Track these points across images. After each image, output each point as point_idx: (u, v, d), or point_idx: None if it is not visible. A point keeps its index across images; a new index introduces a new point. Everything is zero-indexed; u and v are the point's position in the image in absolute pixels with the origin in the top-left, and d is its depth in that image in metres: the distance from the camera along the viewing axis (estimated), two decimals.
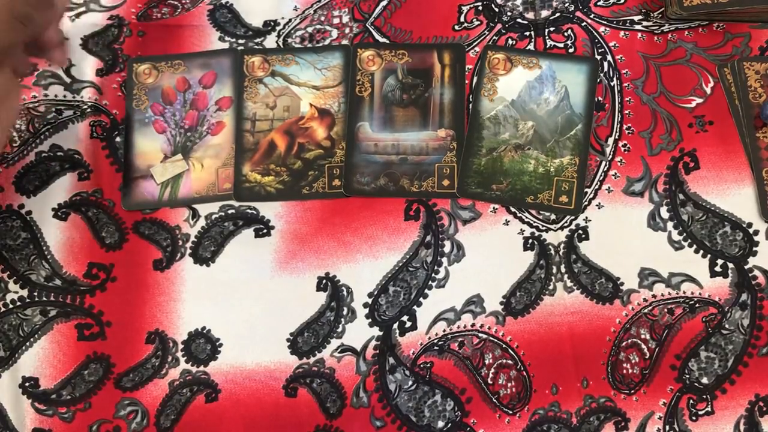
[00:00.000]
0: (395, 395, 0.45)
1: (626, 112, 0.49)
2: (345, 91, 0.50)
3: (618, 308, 0.45)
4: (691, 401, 0.44)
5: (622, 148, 0.48)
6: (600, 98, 0.49)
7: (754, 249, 0.46)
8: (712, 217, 0.46)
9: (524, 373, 0.45)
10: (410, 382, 0.45)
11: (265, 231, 0.48)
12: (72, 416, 0.45)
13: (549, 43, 0.51)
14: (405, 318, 0.46)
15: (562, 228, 0.47)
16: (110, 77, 0.52)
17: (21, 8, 0.37)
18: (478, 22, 0.52)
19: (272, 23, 0.53)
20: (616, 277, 0.46)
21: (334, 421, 0.44)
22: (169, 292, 0.47)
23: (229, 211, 0.49)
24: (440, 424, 0.44)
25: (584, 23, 0.51)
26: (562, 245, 0.47)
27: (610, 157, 0.48)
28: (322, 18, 0.53)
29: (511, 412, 0.44)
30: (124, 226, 0.48)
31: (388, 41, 0.52)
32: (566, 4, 0.52)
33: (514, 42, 0.51)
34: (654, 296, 0.45)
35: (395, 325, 0.46)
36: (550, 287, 0.46)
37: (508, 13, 0.52)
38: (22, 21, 0.37)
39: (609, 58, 0.50)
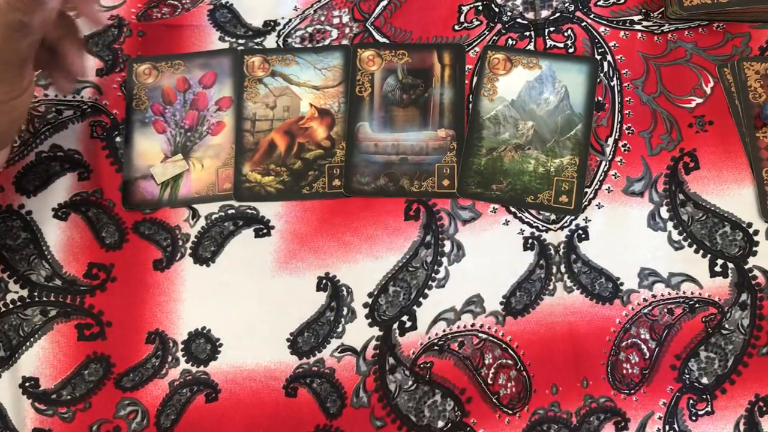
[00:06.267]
0: (395, 395, 0.45)
1: (626, 112, 0.49)
2: (345, 91, 0.50)
3: (618, 308, 0.45)
4: (691, 401, 0.44)
5: (622, 148, 0.48)
6: (600, 98, 0.49)
7: (754, 249, 0.46)
8: (712, 217, 0.47)
9: (524, 373, 0.45)
10: (410, 382, 0.45)
11: (265, 231, 0.48)
12: (72, 416, 0.45)
13: (549, 43, 0.51)
14: (405, 318, 0.46)
15: (562, 228, 0.47)
16: (110, 77, 0.52)
17: (11, 17, 0.36)
18: (478, 22, 0.52)
19: (272, 23, 0.53)
20: (616, 277, 0.46)
21: (334, 421, 0.44)
22: (169, 292, 0.47)
23: (229, 211, 0.49)
24: (440, 424, 0.44)
25: (584, 23, 0.51)
26: (562, 245, 0.47)
27: (610, 157, 0.48)
28: (322, 18, 0.53)
29: (511, 412, 0.44)
30: (124, 226, 0.48)
31: (388, 41, 0.52)
32: (566, 4, 0.52)
33: (514, 42, 0.51)
34: (654, 296, 0.45)
35: (395, 325, 0.46)
36: (550, 287, 0.46)
37: (508, 13, 0.52)
38: (17, 30, 0.37)
39: (609, 58, 0.50)
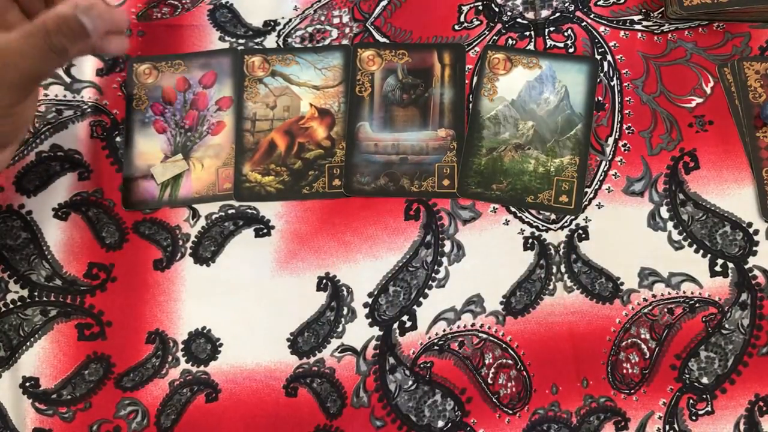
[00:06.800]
0: (395, 395, 0.45)
1: (626, 111, 0.49)
2: (345, 91, 0.50)
3: (618, 308, 0.45)
4: (691, 401, 0.44)
5: (622, 148, 0.48)
6: (600, 98, 0.49)
7: (754, 249, 0.46)
8: (712, 217, 0.47)
9: (524, 373, 0.45)
10: (410, 382, 0.45)
11: (265, 231, 0.48)
12: (72, 416, 0.45)
13: (549, 43, 0.51)
14: (405, 318, 0.46)
15: (562, 228, 0.47)
16: (110, 77, 0.52)
17: (56, 40, 0.36)
18: (478, 22, 0.52)
19: (272, 23, 0.53)
20: (616, 277, 0.46)
21: (334, 420, 0.44)
22: (169, 291, 0.47)
23: (229, 211, 0.49)
24: (440, 423, 0.44)
25: (584, 23, 0.51)
26: (562, 245, 0.47)
27: (610, 156, 0.48)
28: (322, 18, 0.53)
29: (511, 411, 0.44)
30: (125, 226, 0.48)
31: (388, 41, 0.52)
32: (566, 4, 0.52)
33: (514, 42, 0.51)
34: (654, 296, 0.45)
35: (395, 325, 0.46)
36: (550, 287, 0.46)
37: (508, 13, 0.52)
38: (57, 53, 0.37)
39: (609, 57, 0.50)
